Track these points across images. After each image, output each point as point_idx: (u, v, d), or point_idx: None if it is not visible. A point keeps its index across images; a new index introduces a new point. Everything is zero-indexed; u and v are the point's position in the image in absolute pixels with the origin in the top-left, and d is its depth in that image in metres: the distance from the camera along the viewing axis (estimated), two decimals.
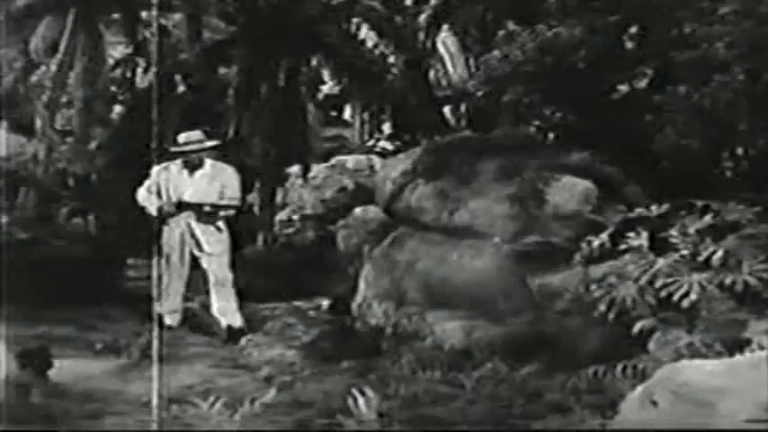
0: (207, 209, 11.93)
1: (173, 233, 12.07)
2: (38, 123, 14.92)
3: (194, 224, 12.01)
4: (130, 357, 10.59)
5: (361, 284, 11.36)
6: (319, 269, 12.92)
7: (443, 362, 10.06)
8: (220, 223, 12.02)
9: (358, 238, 12.11)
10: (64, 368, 9.48)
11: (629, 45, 12.83)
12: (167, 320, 11.86)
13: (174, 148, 12.13)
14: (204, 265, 12.00)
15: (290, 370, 9.89)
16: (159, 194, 12.11)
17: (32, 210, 13.74)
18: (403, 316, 10.74)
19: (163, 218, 12.07)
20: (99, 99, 15.55)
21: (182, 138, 12.18)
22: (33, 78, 15.46)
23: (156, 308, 11.45)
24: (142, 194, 12.23)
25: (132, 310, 12.71)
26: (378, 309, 10.73)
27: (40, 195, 13.91)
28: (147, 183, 12.18)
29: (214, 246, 12.01)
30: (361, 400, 4.84)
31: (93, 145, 15.42)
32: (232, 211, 12.06)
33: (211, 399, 4.92)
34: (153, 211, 12.09)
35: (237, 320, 11.73)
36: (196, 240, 11.99)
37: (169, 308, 12.04)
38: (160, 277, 11.81)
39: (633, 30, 12.74)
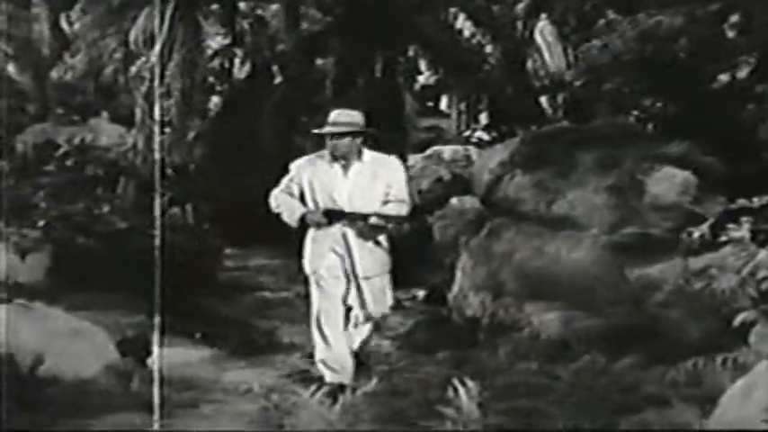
0: (373, 220, 8.85)
1: (325, 252, 8.90)
2: (137, 114, 15.08)
3: (352, 239, 8.88)
4: (227, 346, 10.67)
5: (458, 275, 11.33)
6: (415, 259, 12.90)
7: (540, 353, 10.02)
8: (382, 237, 9.01)
9: (454, 229, 12.09)
10: (162, 356, 9.57)
11: (731, 34, 12.65)
12: (327, 376, 7.96)
13: (321, 130, 9.15)
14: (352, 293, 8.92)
15: (387, 360, 9.90)
16: (302, 198, 9.07)
17: (131, 200, 13.89)
18: (500, 307, 10.69)
19: (307, 228, 9.05)
20: (197, 90, 15.67)
21: (334, 116, 9.12)
22: (133, 69, 15.63)
23: (317, 353, 8.48)
24: (277, 197, 9.18)
25: (228, 298, 12.82)
26: (474, 299, 10.69)
27: (138, 185, 14.06)
28: (283, 181, 9.23)
29: (370, 267, 8.95)
30: (461, 390, 4.81)
31: (190, 135, 15.56)
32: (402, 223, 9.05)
33: (312, 387, 4.93)
34: (293, 220, 8.97)
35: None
36: (351, 260, 8.86)
37: (328, 358, 8.39)
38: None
39: (734, 18, 12.56)
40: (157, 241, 11.35)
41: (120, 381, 8.64)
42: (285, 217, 8.97)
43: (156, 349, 9.48)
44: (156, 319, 9.30)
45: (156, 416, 7.12)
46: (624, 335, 9.92)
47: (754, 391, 6.62)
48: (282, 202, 9.03)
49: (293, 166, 9.22)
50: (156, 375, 8.69)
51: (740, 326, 8.83)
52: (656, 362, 9.52)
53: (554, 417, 8.31)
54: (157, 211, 12.74)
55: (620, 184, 10.74)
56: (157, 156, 14.20)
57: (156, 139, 14.30)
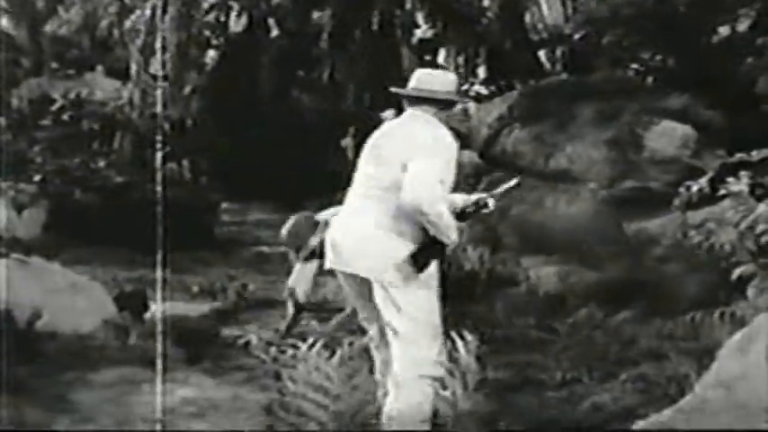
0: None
1: None
2: (133, 68, 15.02)
3: None
4: (226, 301, 10.67)
5: None
6: None
7: (538, 307, 10.03)
8: None
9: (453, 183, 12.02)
10: (161, 311, 9.57)
11: None
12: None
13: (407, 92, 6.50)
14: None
15: None
16: None
17: (128, 154, 13.85)
18: (498, 261, 10.68)
19: None
20: (193, 44, 15.59)
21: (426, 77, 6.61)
22: (128, 23, 15.55)
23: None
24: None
25: (226, 253, 12.82)
26: (473, 254, 10.67)
27: (134, 140, 14.02)
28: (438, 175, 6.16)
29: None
30: (459, 343, 4.81)
31: (187, 90, 15.50)
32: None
33: (310, 341, 4.93)
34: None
35: None
36: None
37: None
38: None
39: None
40: (159, 194, 11.33)
41: (117, 335, 8.63)
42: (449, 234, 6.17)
43: (158, 304, 9.48)
44: (159, 274, 9.29)
45: (159, 369, 7.10)
46: (622, 289, 9.92)
47: (752, 344, 6.59)
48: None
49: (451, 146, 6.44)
50: (158, 330, 8.69)
51: (738, 280, 8.83)
52: (653, 315, 9.53)
53: (552, 370, 8.30)
54: (158, 164, 12.73)
55: (619, 137, 10.72)
56: (159, 108, 14.17)
57: (159, 91, 14.25)
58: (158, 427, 7.14)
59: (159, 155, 14.02)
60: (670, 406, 6.84)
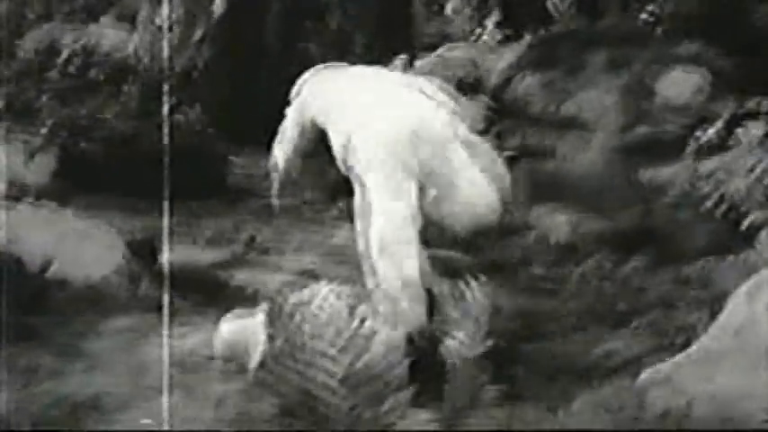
0: None
1: None
2: (140, 17, 14.95)
3: None
4: (235, 249, 10.68)
5: None
6: None
7: (548, 256, 10.02)
8: None
9: None
10: (171, 259, 9.58)
11: None
12: None
13: None
14: None
15: None
16: None
17: (135, 104, 13.82)
18: (506, 210, 10.65)
19: None
20: None
21: None
22: None
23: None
24: None
25: (235, 204, 12.81)
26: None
27: (142, 90, 13.97)
28: None
29: None
30: (473, 284, 4.80)
31: (195, 39, 15.43)
32: None
33: (323, 282, 4.94)
34: None
35: None
36: None
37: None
38: None
39: None
40: (166, 144, 11.31)
41: (128, 283, 8.64)
42: None
43: (165, 253, 9.49)
44: (165, 222, 9.31)
45: (166, 319, 7.11)
46: (632, 237, 9.91)
47: (761, 292, 6.62)
48: None
49: None
50: (166, 280, 8.71)
51: (748, 229, 8.83)
52: (664, 264, 9.53)
53: (562, 318, 8.33)
54: (166, 114, 12.69)
55: (631, 85, 10.65)
56: (166, 55, 14.12)
57: (166, 41, 14.20)
58: (166, 376, 7.18)
59: (167, 105, 14.00)
60: (679, 353, 6.87)
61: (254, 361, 5.65)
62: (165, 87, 14.12)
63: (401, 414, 4.87)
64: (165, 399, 5.80)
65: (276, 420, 4.91)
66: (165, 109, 13.93)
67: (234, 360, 6.10)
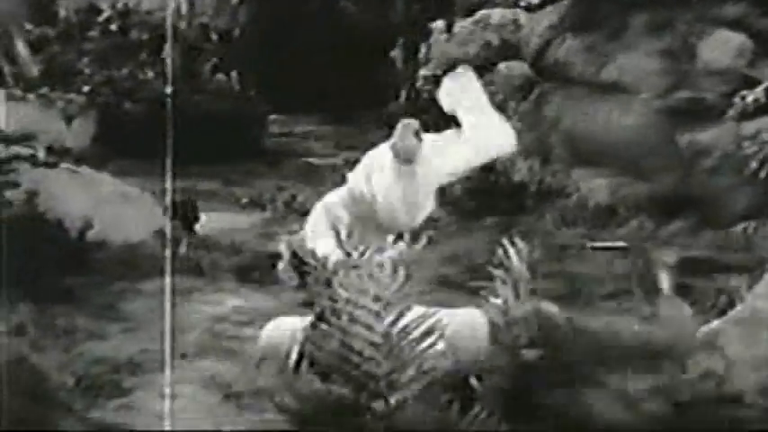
0: None
1: None
2: None
3: None
4: (275, 211, 10.69)
5: None
6: None
7: (588, 219, 9.98)
8: None
9: (503, 94, 11.91)
10: (211, 221, 9.61)
11: None
12: None
13: None
14: None
15: (434, 225, 9.87)
16: None
17: (176, 65, 13.81)
18: (547, 172, 10.61)
19: None
20: None
21: None
22: None
23: None
24: None
25: (275, 164, 12.82)
26: (522, 165, 10.59)
27: (183, 50, 13.96)
28: None
29: None
30: (511, 251, 4.77)
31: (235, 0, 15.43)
32: None
33: (362, 248, 4.93)
34: None
35: None
36: None
37: None
38: None
39: None
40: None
41: (168, 246, 8.65)
42: None
43: (202, 215, 9.51)
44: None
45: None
46: (673, 200, 9.86)
47: None
48: None
49: None
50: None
51: None
52: (704, 227, 9.48)
53: (601, 282, 8.30)
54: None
55: (673, 47, 10.53)
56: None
57: (207, 1, 14.17)
58: (209, 335, 7.20)
59: (208, 66, 13.99)
60: (720, 317, 6.82)
61: (292, 361, 5.68)
62: (206, 48, 14.13)
63: (439, 376, 4.89)
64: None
65: (316, 380, 4.92)
66: (206, 69, 13.94)
67: (273, 359, 6.09)
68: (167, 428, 5.52)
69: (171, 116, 9.64)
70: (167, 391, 5.91)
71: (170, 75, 12.22)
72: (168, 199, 8.94)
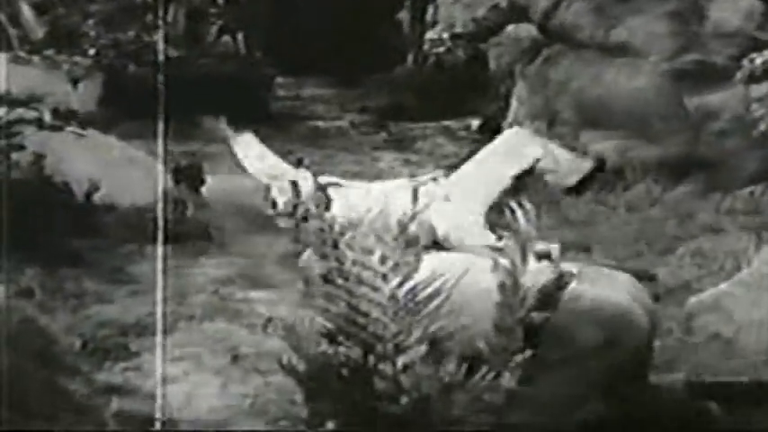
0: None
1: None
2: None
3: None
4: None
5: (513, 103, 11.19)
6: (470, 88, 12.72)
7: (596, 182, 9.96)
8: None
9: (510, 57, 11.85)
10: (216, 184, 9.59)
11: None
12: None
13: None
14: None
15: None
16: None
17: (182, 27, 13.75)
18: (555, 135, 10.57)
19: None
20: None
21: None
22: None
23: None
24: None
25: (282, 128, 12.79)
26: (529, 128, 10.57)
27: (188, 13, 13.90)
28: None
29: None
30: (519, 213, 4.76)
31: None
32: None
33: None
34: None
35: None
36: None
37: None
38: None
39: None
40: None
41: (175, 208, 8.65)
42: None
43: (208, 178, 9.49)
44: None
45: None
46: (681, 163, 9.84)
47: None
48: None
49: None
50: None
51: None
52: (712, 190, 9.47)
53: (612, 245, 8.30)
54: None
55: (682, 9, 10.47)
56: None
57: None
58: (215, 297, 7.21)
59: (213, 28, 13.93)
60: (727, 280, 6.82)
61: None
62: (212, 10, 14.06)
63: (445, 339, 4.88)
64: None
65: (323, 342, 4.93)
66: (212, 32, 13.89)
67: None
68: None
69: (163, 82, 9.63)
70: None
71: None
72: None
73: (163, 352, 5.99)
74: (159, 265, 7.03)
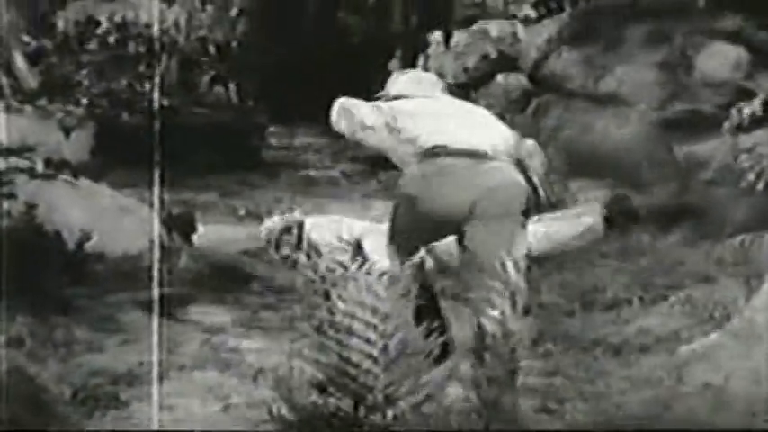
0: None
1: None
2: None
3: None
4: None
5: None
6: None
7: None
8: None
9: (500, 107, 11.94)
10: (208, 233, 9.61)
11: None
12: None
13: None
14: None
15: None
16: None
17: (174, 77, 13.83)
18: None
19: None
20: None
21: None
22: None
23: None
24: None
25: (274, 176, 12.83)
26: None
27: (180, 63, 13.98)
28: None
29: None
30: (509, 262, 4.78)
31: (233, 11, 15.43)
32: None
33: (360, 260, 4.96)
34: None
35: None
36: None
37: None
38: None
39: None
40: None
41: (166, 257, 8.65)
42: None
43: (200, 227, 9.51)
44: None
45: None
46: (671, 212, 9.86)
47: None
48: None
49: None
50: None
51: None
52: (702, 239, 9.48)
53: (600, 292, 8.30)
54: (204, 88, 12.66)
55: (670, 59, 10.56)
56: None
57: (204, 14, 14.20)
58: (206, 346, 7.21)
59: (206, 78, 14.01)
60: (717, 329, 6.82)
61: None
62: (204, 60, 14.14)
63: (438, 388, 4.90)
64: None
65: (314, 392, 4.94)
66: (204, 82, 13.96)
67: None
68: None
69: (159, 130, 9.66)
70: (155, 403, 5.91)
71: (156, 89, 12.20)
72: (155, 211, 8.94)
73: (159, 400, 5.99)
74: (156, 311, 7.04)
